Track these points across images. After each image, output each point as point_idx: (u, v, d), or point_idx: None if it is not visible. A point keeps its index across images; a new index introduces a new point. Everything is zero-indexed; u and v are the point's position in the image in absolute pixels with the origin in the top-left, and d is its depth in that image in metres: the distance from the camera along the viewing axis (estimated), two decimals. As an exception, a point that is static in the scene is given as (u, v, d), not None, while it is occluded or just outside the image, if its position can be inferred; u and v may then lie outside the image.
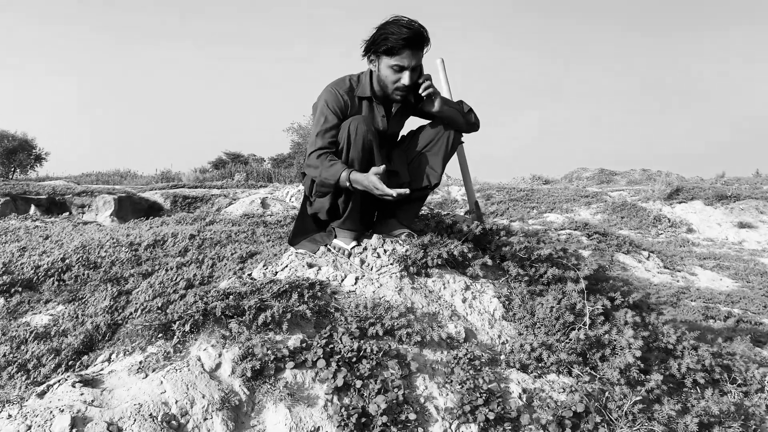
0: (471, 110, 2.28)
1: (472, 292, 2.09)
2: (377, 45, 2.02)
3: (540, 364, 1.76)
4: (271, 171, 16.15)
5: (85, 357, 1.95)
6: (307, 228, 2.34)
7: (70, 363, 1.96)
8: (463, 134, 2.38)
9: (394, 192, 1.92)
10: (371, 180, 1.95)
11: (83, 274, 2.75)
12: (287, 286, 1.82)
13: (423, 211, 2.71)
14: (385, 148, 2.28)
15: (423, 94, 2.12)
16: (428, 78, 2.13)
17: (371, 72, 2.14)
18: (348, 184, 2.01)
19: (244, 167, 16.38)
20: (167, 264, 2.87)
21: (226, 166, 17.03)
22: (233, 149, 21.18)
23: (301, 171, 2.37)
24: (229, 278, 2.09)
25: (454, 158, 2.49)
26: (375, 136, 2.07)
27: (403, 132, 2.37)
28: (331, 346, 1.59)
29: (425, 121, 2.32)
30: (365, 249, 2.20)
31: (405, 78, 2.03)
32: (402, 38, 1.96)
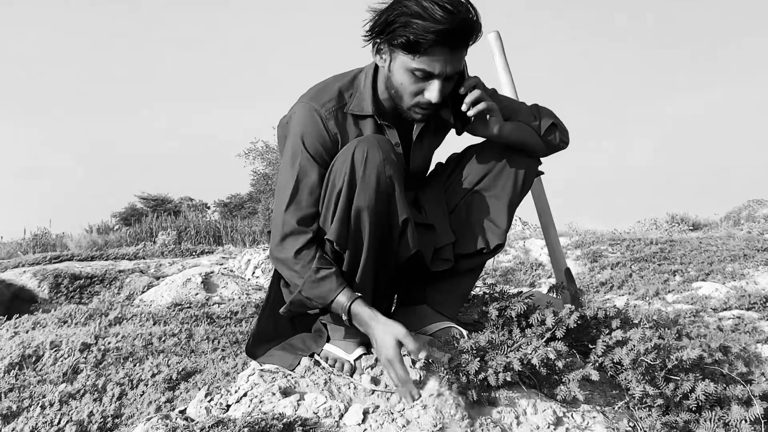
0: (554, 124, 2.30)
1: (568, 429, 2.06)
2: (391, 32, 1.99)
3: None
4: (220, 225, 16.35)
5: None
6: (279, 326, 2.37)
7: None
8: (542, 158, 2.43)
9: (414, 392, 1.98)
10: (387, 334, 1.98)
11: None
12: (247, 430, 1.81)
13: (476, 289, 2.72)
14: (411, 191, 2.33)
15: (470, 114, 2.13)
16: (475, 84, 2.15)
17: (376, 69, 2.18)
18: (346, 318, 2.07)
19: (173, 221, 16.62)
20: (44, 397, 2.90)
21: (143, 221, 17.32)
22: (155, 192, 21.64)
23: (268, 230, 2.43)
24: (149, 420, 2.12)
25: (528, 199, 2.53)
26: (397, 169, 2.06)
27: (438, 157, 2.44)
28: None
29: (472, 139, 2.38)
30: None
31: (433, 91, 2.02)
32: (434, 31, 1.91)
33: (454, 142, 2.42)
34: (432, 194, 2.35)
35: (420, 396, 2.03)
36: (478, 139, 2.35)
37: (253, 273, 7.62)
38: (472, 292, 2.64)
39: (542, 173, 2.44)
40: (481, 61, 2.80)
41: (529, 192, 2.49)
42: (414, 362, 2.18)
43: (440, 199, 2.34)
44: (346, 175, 2.02)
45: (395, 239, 2.15)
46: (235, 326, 4.24)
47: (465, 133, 2.32)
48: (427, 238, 2.28)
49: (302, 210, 2.09)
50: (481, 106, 2.11)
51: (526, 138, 2.25)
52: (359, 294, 2.09)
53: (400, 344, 1.99)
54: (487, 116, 2.17)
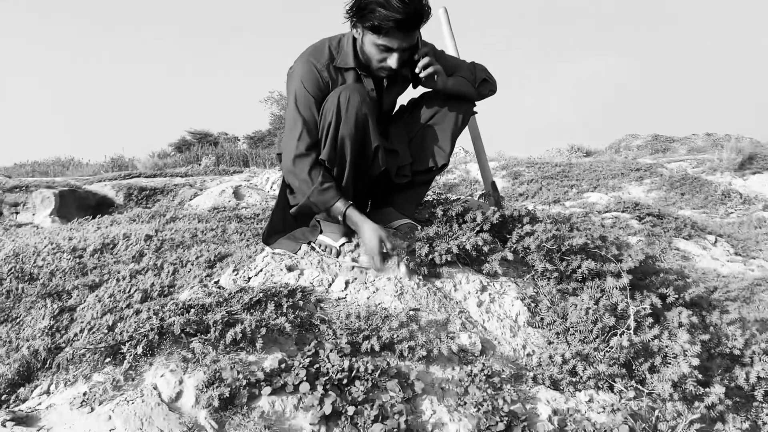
0: (486, 79, 2.29)
1: (490, 294, 2.12)
2: (362, 16, 1.98)
3: (574, 379, 1.78)
4: (247, 152, 16.15)
5: (22, 389, 1.98)
6: (286, 223, 2.37)
7: (3, 397, 1.99)
8: (476, 102, 2.39)
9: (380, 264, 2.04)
10: (374, 234, 2.03)
11: (17, 289, 2.78)
12: (261, 294, 1.84)
13: (428, 197, 2.72)
14: (381, 124, 2.29)
15: (421, 76, 2.14)
16: (426, 52, 2.14)
17: (354, 38, 2.13)
18: (342, 218, 2.10)
19: (213, 149, 16.38)
20: (119, 272, 2.90)
21: (191, 149, 17.04)
22: (199, 128, 21.24)
23: (278, 152, 2.38)
24: (192, 288, 2.12)
25: (465, 131, 2.50)
26: (371, 108, 2.08)
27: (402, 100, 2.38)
28: (317, 366, 1.61)
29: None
30: (357, 246, 2.22)
31: (392, 60, 2.03)
32: (392, 20, 1.91)
33: (412, 91, 2.38)
34: (396, 128, 2.32)
35: (386, 271, 2.07)
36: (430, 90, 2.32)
37: (271, 187, 7.58)
38: (425, 199, 2.63)
39: (476, 113, 2.43)
40: (433, 29, 2.71)
41: (467, 127, 2.46)
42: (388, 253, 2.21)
43: (402, 131, 2.31)
44: (333, 112, 2.03)
45: (369, 160, 2.15)
46: (257, 224, 4.22)
47: (420, 86, 2.31)
48: (393, 160, 2.26)
49: (308, 139, 2.07)
50: (430, 69, 2.12)
51: (464, 89, 2.24)
52: (351, 202, 2.12)
53: (381, 241, 2.05)
54: (435, 76, 2.15)
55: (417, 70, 2.12)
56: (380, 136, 2.16)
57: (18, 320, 2.56)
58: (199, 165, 13.01)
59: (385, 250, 2.07)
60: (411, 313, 1.91)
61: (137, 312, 2.30)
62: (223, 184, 7.60)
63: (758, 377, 1.82)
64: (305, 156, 2.07)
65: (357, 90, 2.04)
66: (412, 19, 1.94)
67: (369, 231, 2.07)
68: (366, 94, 2.07)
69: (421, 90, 2.34)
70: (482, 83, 2.28)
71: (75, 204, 8.02)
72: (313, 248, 2.27)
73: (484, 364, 1.74)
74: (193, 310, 1.74)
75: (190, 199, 7.26)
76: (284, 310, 1.81)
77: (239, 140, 21.84)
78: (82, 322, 2.31)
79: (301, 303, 1.87)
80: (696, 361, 1.73)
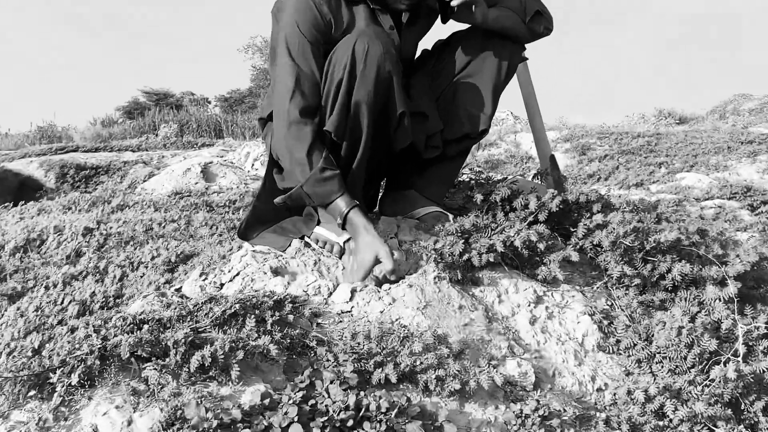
0: (539, 12, 2.27)
1: (547, 307, 2.10)
2: None
3: (661, 423, 1.76)
4: (221, 119, 16.22)
5: None
6: (274, 211, 2.36)
7: None
8: (527, 45, 2.38)
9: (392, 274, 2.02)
10: (369, 251, 2.01)
11: None
12: (238, 306, 1.82)
13: (462, 176, 2.70)
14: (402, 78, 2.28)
15: (453, 4, 2.11)
16: None
17: None
18: (340, 221, 2.09)
19: (175, 115, 16.47)
20: (48, 278, 2.92)
21: (146, 114, 17.14)
22: (157, 86, 21.34)
23: (260, 117, 2.38)
24: (146, 297, 2.13)
25: (515, 88, 2.48)
26: (396, 63, 2.06)
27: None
28: (312, 402, 1.59)
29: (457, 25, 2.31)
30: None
31: None
32: None
33: (441, 30, 2.36)
34: (419, 81, 2.32)
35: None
36: (464, 26, 2.30)
37: (253, 165, 7.59)
38: (458, 178, 2.62)
39: (527, 59, 2.42)
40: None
41: (515, 79, 2.45)
42: (401, 242, 2.20)
43: (427, 86, 2.31)
44: (346, 68, 2.01)
45: (391, 130, 2.15)
46: (233, 214, 4.24)
47: (450, 21, 2.29)
48: (420, 127, 2.25)
49: (305, 100, 2.06)
50: None
51: (510, 24, 2.22)
52: (357, 202, 2.10)
53: (377, 261, 2.05)
54: (472, 5, 2.12)
55: None
56: (406, 99, 2.16)
57: None
58: (156, 136, 13.07)
59: (378, 274, 2.06)
60: (440, 332, 1.90)
61: (72, 330, 2.31)
62: (188, 161, 7.61)
63: None
64: (301, 124, 2.05)
65: (378, 38, 2.00)
66: None
67: (367, 245, 2.05)
68: (390, 43, 2.04)
69: (451, 28, 2.32)
70: (535, 17, 2.25)
71: (-9, 188, 8.09)
72: (307, 244, 2.27)
73: (538, 401, 1.71)
74: (146, 327, 1.73)
75: (144, 181, 7.28)
76: (268, 327, 1.80)
77: (210, 103, 21.96)
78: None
79: (291, 318, 1.85)
80: (829, 400, 1.71)
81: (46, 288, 2.78)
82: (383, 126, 2.12)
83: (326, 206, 2.12)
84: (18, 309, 2.57)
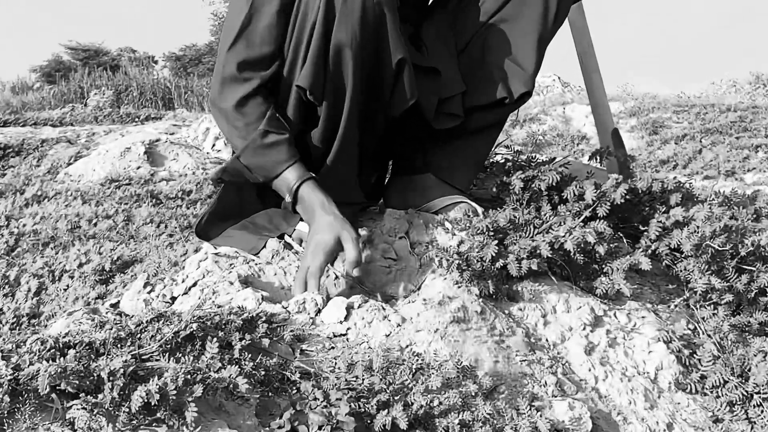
0: None
1: (609, 332, 1.99)
2: None
3: (760, 484, 1.75)
4: (171, 84, 16.19)
5: None
6: (243, 202, 2.36)
7: None
8: None
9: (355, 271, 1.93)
10: (337, 228, 1.98)
11: None
12: (195, 326, 1.80)
13: (495, 155, 2.70)
14: (407, 23, 2.27)
15: None
16: None
17: None
18: (290, 199, 2.03)
19: (110, 78, 16.45)
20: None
21: (71, 77, 17.10)
22: (86, 41, 21.34)
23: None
24: (71, 313, 2.14)
25: (566, 39, 2.47)
26: None
27: None
28: (294, 457, 1.60)
29: None
30: (370, 241, 2.18)
31: None
32: None
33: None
34: (436, 28, 2.21)
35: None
36: None
37: (213, 146, 7.58)
38: (490, 159, 2.62)
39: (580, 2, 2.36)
40: None
41: (567, 26, 2.44)
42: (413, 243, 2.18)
43: (447, 35, 2.22)
44: (320, 3, 1.91)
45: (387, 86, 2.01)
46: (188, 208, 4.20)
47: None
48: (430, 87, 2.22)
49: (252, 48, 1.99)
50: None
51: None
52: (313, 174, 2.02)
53: (339, 246, 1.96)
54: None
55: None
56: (407, 44, 2.09)
57: None
58: (85, 106, 12.91)
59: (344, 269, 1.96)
60: (465, 363, 1.91)
61: (-26, 357, 2.33)
62: (126, 139, 7.58)
63: None
64: (238, 81, 2.01)
65: None
66: None
67: (326, 224, 1.99)
68: None
69: None
70: None
71: None
72: (288, 246, 2.19)
73: (597, 455, 1.68)
74: (72, 353, 1.68)
75: (69, 165, 7.28)
76: (236, 355, 1.72)
77: (156, 63, 21.93)
78: None
79: (266, 342, 1.78)
80: None
81: (-61, 303, 2.79)
82: (376, 79, 1.98)
83: (272, 182, 2.04)
84: None
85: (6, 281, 2.97)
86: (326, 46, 1.86)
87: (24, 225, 3.56)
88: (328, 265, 2.04)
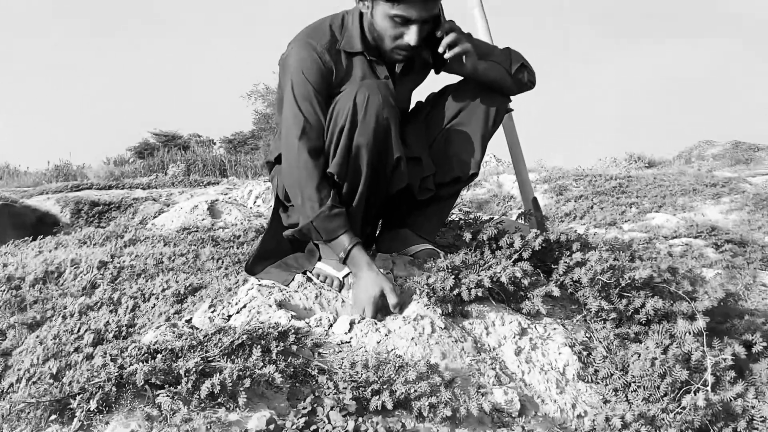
0: (523, 65, 2.30)
1: (531, 339, 2.10)
2: None
3: (637, 448, 1.77)
4: (225, 159, 16.26)
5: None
6: (279, 247, 2.38)
7: None
8: (512, 97, 2.41)
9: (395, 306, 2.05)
10: (374, 285, 2.04)
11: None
12: (245, 337, 1.83)
13: (452, 215, 2.73)
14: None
15: (447, 57, 2.13)
16: (451, 28, 2.14)
17: (361, 14, 2.15)
18: (343, 256, 2.10)
19: (182, 155, 16.49)
20: (65, 308, 2.92)
21: (155, 155, 17.15)
22: (166, 129, 21.39)
23: (267, 160, 2.40)
24: (158, 327, 2.13)
25: (500, 134, 2.52)
26: (393, 111, 2.09)
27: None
28: (314, 427, 1.60)
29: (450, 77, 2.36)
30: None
31: (411, 35, 2.05)
32: None
33: (434, 82, 2.41)
34: (414, 129, 2.34)
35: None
36: (456, 78, 2.33)
37: (255, 202, 7.59)
38: (449, 218, 2.64)
39: (512, 110, 2.45)
40: (459, 5, 2.76)
41: (501, 127, 2.49)
42: (396, 277, 2.21)
43: (422, 134, 2.33)
44: (348, 115, 2.04)
45: (389, 173, 2.18)
46: (238, 248, 4.24)
47: (443, 72, 2.33)
48: (415, 171, 2.28)
49: (312, 141, 2.09)
50: (457, 49, 2.12)
51: (498, 76, 2.24)
52: (360, 239, 2.13)
53: (383, 296, 2.06)
54: (463, 56, 2.15)
55: (441, 50, 2.12)
56: (401, 145, 2.18)
57: (-62, 367, 2.58)
58: (165, 175, 13.07)
59: (383, 303, 2.07)
60: (432, 362, 1.91)
61: (89, 357, 2.31)
62: (195, 199, 7.62)
63: None
64: (311, 162, 2.08)
65: (377, 88, 2.04)
66: None
67: (371, 280, 2.07)
68: (388, 93, 2.07)
69: (443, 80, 2.36)
70: (519, 69, 2.27)
71: (10, 222, 8.08)
72: (309, 279, 2.27)
73: (523, 427, 1.72)
74: (160, 356, 1.74)
75: (155, 217, 7.28)
76: (273, 357, 1.80)
77: (215, 144, 22.00)
78: (19, 370, 2.33)
79: (294, 348, 1.86)
80: (791, 427, 1.73)
81: (64, 317, 2.77)
82: (381, 169, 2.15)
83: (330, 241, 2.14)
84: (37, 337, 2.56)
85: (111, 302, 2.95)
86: (350, 146, 2.07)
87: (123, 261, 3.54)
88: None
